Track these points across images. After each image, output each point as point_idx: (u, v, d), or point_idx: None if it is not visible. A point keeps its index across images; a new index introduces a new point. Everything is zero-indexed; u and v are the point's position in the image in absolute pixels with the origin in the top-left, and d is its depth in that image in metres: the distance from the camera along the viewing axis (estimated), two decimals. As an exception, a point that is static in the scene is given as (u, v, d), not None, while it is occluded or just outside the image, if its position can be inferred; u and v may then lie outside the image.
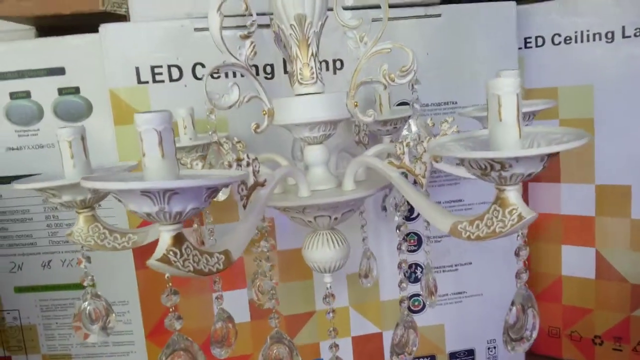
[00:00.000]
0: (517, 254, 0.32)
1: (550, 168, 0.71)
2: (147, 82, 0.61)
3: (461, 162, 0.31)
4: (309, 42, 0.45)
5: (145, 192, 0.27)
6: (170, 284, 0.30)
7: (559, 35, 0.69)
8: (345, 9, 0.46)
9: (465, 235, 0.34)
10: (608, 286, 0.71)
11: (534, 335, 0.33)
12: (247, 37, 0.43)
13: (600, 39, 0.67)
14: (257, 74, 0.63)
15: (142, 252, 0.66)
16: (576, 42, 0.69)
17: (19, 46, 0.67)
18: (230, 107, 0.42)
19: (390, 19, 0.45)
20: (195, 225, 0.64)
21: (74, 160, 0.39)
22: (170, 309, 0.31)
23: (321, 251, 0.46)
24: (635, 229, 0.68)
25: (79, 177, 0.37)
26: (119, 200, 0.29)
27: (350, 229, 0.64)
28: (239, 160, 0.37)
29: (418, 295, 0.72)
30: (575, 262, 0.73)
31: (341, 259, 0.47)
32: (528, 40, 0.72)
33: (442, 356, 0.73)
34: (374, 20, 0.53)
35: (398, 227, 0.48)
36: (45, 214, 0.70)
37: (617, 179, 0.69)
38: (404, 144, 0.39)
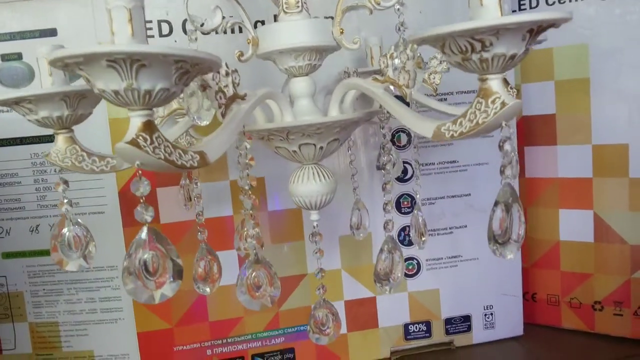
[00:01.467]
0: (500, 147, 0.31)
1: (546, 130, 0.70)
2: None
3: (442, 47, 0.30)
4: (294, -30, 0.44)
5: (112, 63, 0.26)
6: (140, 172, 0.29)
7: (553, -6, 0.69)
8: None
9: (449, 135, 0.33)
10: (607, 249, 0.69)
11: (522, 233, 0.31)
12: (229, -39, 0.42)
13: (594, -4, 0.66)
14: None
15: (131, 214, 0.65)
16: (570, 1, 0.68)
17: (10, 7, 0.67)
18: (213, 30, 0.42)
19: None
20: (182, 181, 0.63)
21: (52, 77, 0.39)
22: (141, 199, 0.29)
23: (307, 185, 0.45)
24: (633, 188, 0.67)
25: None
26: (88, 80, 0.28)
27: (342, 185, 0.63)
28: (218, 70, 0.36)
29: (412, 259, 0.70)
30: (573, 226, 0.71)
31: (327, 194, 0.46)
32: (522, 2, 0.72)
33: (438, 322, 0.71)
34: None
35: (383, 186, 0.47)
36: (34, 177, 0.69)
37: (614, 138, 0.67)
38: (387, 56, 0.38)
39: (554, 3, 0.69)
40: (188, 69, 0.29)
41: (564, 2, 0.68)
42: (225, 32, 0.62)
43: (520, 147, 0.74)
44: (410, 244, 0.70)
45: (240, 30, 0.63)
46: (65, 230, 0.42)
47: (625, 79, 0.66)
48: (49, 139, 0.68)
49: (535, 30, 0.29)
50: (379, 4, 0.42)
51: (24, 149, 0.69)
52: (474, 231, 0.71)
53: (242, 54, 0.44)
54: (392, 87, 0.39)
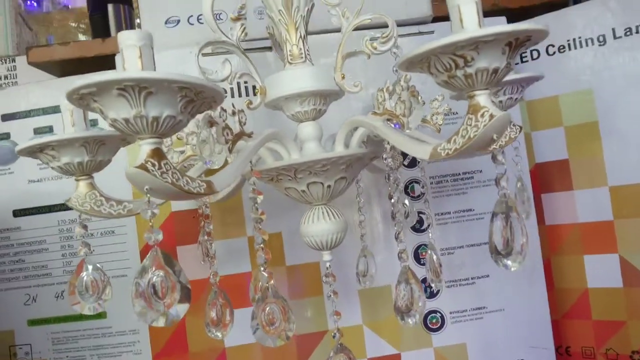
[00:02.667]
0: (493, 158, 0.31)
1: (561, 176, 0.70)
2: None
3: (428, 68, 0.32)
4: (297, 26, 0.48)
5: (122, 91, 0.29)
6: (148, 195, 0.31)
7: (553, 45, 0.72)
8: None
9: (445, 154, 0.34)
10: (637, 293, 0.67)
11: (525, 243, 0.31)
12: (238, 19, 0.46)
13: (592, 44, 0.69)
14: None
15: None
16: (570, 49, 0.71)
17: (42, 85, 0.73)
18: (222, 80, 0.45)
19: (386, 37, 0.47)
20: (201, 238, 0.64)
21: (74, 127, 0.42)
22: (150, 222, 0.31)
23: (317, 224, 0.46)
24: (657, 227, 0.65)
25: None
26: (101, 112, 0.30)
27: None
28: (223, 110, 0.38)
29: (436, 311, 0.69)
30: (600, 271, 0.69)
31: (337, 232, 0.46)
32: (523, 54, 0.74)
33: (467, 378, 0.68)
34: None
35: (396, 235, 0.47)
36: (61, 243, 0.72)
37: (630, 178, 0.67)
38: (384, 90, 0.40)
39: (554, 53, 0.72)
40: (193, 98, 0.32)
41: (564, 51, 0.71)
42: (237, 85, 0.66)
43: (537, 195, 0.74)
44: (431, 295, 0.69)
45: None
46: (83, 274, 0.43)
47: (633, 118, 0.67)
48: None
49: (514, 44, 0.30)
50: (375, 49, 0.45)
51: (52, 216, 0.72)
52: (497, 281, 0.69)
53: (250, 102, 0.46)
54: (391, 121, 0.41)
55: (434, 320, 0.69)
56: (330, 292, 0.47)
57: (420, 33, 0.69)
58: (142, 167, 0.31)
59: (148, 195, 0.31)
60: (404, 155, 0.69)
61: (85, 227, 0.43)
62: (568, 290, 0.72)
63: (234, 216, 0.68)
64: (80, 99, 0.30)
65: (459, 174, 0.70)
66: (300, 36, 0.48)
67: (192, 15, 0.67)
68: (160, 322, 0.31)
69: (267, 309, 0.40)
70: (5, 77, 0.85)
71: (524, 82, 0.49)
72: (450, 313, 0.69)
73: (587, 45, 0.69)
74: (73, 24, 1.04)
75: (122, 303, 0.69)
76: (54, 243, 0.72)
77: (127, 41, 0.31)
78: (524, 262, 0.32)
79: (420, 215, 0.69)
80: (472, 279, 0.69)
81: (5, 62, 0.87)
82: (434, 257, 0.51)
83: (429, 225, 0.69)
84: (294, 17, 0.48)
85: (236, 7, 0.47)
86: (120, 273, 0.70)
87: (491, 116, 0.32)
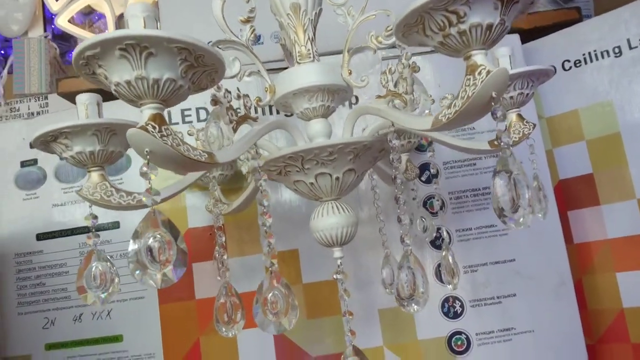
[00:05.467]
0: (492, 113, 0.31)
1: (587, 191, 0.68)
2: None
3: (423, 31, 0.32)
4: (305, 28, 0.49)
5: (124, 52, 0.30)
6: (148, 157, 0.31)
7: (568, 61, 0.72)
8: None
9: (446, 119, 0.34)
10: (678, 310, 0.62)
11: (534, 199, 0.30)
12: (247, 21, 0.48)
13: (608, 55, 0.68)
14: (271, 112, 0.69)
15: (166, 290, 0.66)
16: (586, 63, 0.70)
17: (70, 113, 0.76)
18: (232, 77, 0.46)
19: (398, 56, 0.48)
20: (216, 253, 0.64)
21: (88, 119, 0.43)
22: (148, 182, 0.31)
23: (326, 219, 0.45)
24: (692, 238, 0.62)
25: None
26: (106, 78, 0.32)
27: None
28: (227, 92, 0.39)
29: (461, 333, 0.65)
30: (635, 289, 0.65)
31: (347, 226, 0.45)
32: (540, 73, 0.74)
33: (497, 404, 0.64)
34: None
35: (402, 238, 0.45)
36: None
37: (659, 188, 0.65)
38: (387, 71, 0.41)
39: (570, 68, 0.71)
40: (193, 63, 0.32)
41: (580, 65, 0.71)
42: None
43: (563, 212, 0.71)
44: (455, 315, 0.66)
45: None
46: (92, 264, 0.43)
47: (658, 130, 0.65)
48: (99, 227, 0.72)
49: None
50: (380, 43, 0.46)
51: (74, 239, 0.73)
52: (525, 300, 0.66)
53: (260, 99, 0.47)
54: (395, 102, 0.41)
55: (459, 342, 0.65)
56: (341, 290, 0.46)
57: (433, 51, 0.70)
58: (143, 128, 0.31)
59: (148, 157, 0.31)
60: (420, 170, 0.69)
61: (95, 217, 0.43)
62: (602, 312, 0.68)
63: (250, 233, 0.67)
64: (86, 64, 0.31)
65: (479, 189, 0.69)
66: (309, 38, 0.49)
67: (210, 41, 0.70)
68: (154, 282, 0.30)
69: (270, 294, 0.39)
70: (38, 113, 0.89)
71: (533, 77, 0.49)
72: (477, 334, 0.66)
73: (602, 57, 0.69)
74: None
75: (138, 326, 0.68)
76: (74, 266, 0.73)
77: (132, 12, 0.32)
78: (532, 218, 0.31)
79: (439, 231, 0.67)
80: (497, 297, 0.66)
81: (39, 100, 0.91)
82: (450, 258, 0.49)
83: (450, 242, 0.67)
84: (302, 20, 0.49)
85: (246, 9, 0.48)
86: (137, 295, 0.69)
87: (488, 72, 0.31)
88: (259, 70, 0.48)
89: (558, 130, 0.72)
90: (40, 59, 0.89)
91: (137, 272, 0.30)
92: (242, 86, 0.49)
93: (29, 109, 0.90)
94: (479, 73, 0.32)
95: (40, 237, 0.73)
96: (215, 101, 0.38)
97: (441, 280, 0.66)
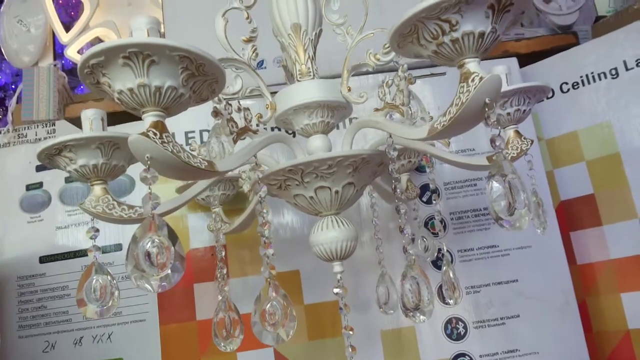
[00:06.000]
0: (485, 118, 0.31)
1: (588, 211, 0.68)
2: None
3: (418, 40, 0.33)
4: (305, 47, 0.50)
5: (127, 60, 0.31)
6: (149, 162, 0.32)
7: (566, 83, 0.73)
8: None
9: (441, 126, 0.35)
10: (685, 330, 0.61)
11: (525, 197, 0.30)
12: (249, 40, 0.49)
13: (605, 77, 0.69)
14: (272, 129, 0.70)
15: (166, 310, 0.66)
16: (584, 85, 0.71)
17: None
18: (234, 94, 0.47)
19: (388, 48, 0.50)
20: (218, 273, 0.64)
21: (92, 132, 0.44)
22: (149, 189, 0.32)
23: (326, 232, 0.45)
24: (696, 257, 0.61)
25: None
26: (109, 87, 0.33)
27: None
28: (229, 103, 0.40)
29: (464, 355, 0.65)
30: (641, 310, 0.65)
31: (347, 240, 0.46)
32: (538, 96, 0.75)
33: None
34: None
35: (404, 249, 0.45)
36: (83, 288, 0.72)
37: (660, 207, 0.64)
38: (384, 85, 0.42)
39: (568, 90, 0.72)
40: (194, 72, 0.33)
41: (578, 87, 0.72)
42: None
43: (565, 233, 0.71)
44: (459, 337, 0.65)
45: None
46: (93, 277, 0.43)
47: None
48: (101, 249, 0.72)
49: (496, 7, 0.32)
50: (379, 60, 0.47)
51: (76, 262, 0.73)
52: (529, 321, 0.65)
53: (261, 116, 0.48)
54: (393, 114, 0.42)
55: (463, 364, 0.64)
56: (342, 304, 0.45)
57: (433, 75, 0.72)
58: (144, 134, 0.32)
59: (148, 163, 0.32)
60: (422, 190, 0.69)
61: (97, 230, 0.43)
62: (607, 334, 0.67)
63: (251, 254, 0.67)
64: (90, 72, 0.32)
65: (480, 209, 0.69)
66: (309, 57, 0.51)
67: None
68: (151, 287, 0.30)
69: (268, 305, 0.39)
70: (45, 139, 0.91)
71: (530, 93, 0.50)
72: (480, 357, 0.65)
73: (600, 79, 0.70)
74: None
75: (138, 348, 0.68)
76: (76, 288, 0.72)
77: (136, 25, 0.34)
78: (530, 218, 0.31)
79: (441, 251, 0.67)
80: (501, 319, 0.66)
81: (46, 126, 0.93)
82: (450, 273, 0.49)
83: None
84: (302, 40, 0.51)
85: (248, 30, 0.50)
86: (139, 318, 0.69)
87: (481, 79, 0.32)
88: (259, 87, 0.49)
89: (558, 151, 0.73)
90: (49, 86, 0.91)
91: (135, 275, 0.30)
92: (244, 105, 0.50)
93: (36, 135, 0.92)
94: (472, 80, 0.32)
95: (43, 259, 0.73)
96: (216, 113, 0.39)
97: (444, 301, 0.66)
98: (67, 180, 0.75)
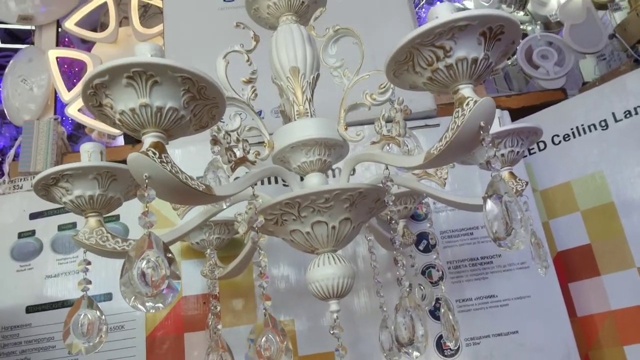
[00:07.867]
0: (483, 142, 0.32)
1: (586, 262, 0.68)
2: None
3: (413, 67, 0.34)
4: (303, 90, 0.52)
5: (130, 80, 0.32)
6: (147, 182, 0.32)
7: (557, 135, 0.74)
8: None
9: (437, 151, 0.35)
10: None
11: (525, 218, 0.30)
12: (249, 81, 0.51)
13: (595, 129, 0.71)
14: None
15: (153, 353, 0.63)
16: (574, 137, 0.73)
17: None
18: (233, 131, 0.48)
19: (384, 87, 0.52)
20: (210, 321, 0.62)
21: (90, 162, 0.44)
22: (145, 206, 0.31)
23: (322, 269, 0.45)
24: (697, 305, 0.60)
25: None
26: (111, 108, 0.33)
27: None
28: (228, 134, 0.41)
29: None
30: (646, 363, 0.63)
31: (344, 277, 0.45)
32: (531, 148, 0.77)
33: None
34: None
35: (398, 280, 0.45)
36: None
37: (658, 256, 0.64)
38: (380, 118, 0.42)
39: (559, 142, 0.74)
40: (195, 95, 0.34)
41: (569, 139, 0.73)
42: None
43: (564, 285, 0.70)
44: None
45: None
46: (81, 312, 0.42)
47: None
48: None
49: (488, 34, 0.33)
50: (375, 100, 0.48)
51: (64, 312, 0.70)
52: (532, 375, 0.63)
53: (258, 153, 0.49)
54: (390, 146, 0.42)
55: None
56: (339, 347, 0.44)
57: (427, 126, 0.73)
58: (143, 153, 0.32)
59: (147, 182, 0.32)
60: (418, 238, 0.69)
61: (89, 262, 0.43)
62: (614, 389, 0.64)
63: (245, 302, 0.66)
64: (94, 94, 0.33)
65: (477, 258, 0.68)
66: (307, 98, 0.52)
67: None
68: (144, 308, 0.29)
69: (264, 338, 0.37)
70: (41, 190, 0.91)
71: (522, 135, 0.51)
72: (483, 413, 0.62)
73: (590, 131, 0.71)
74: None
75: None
76: (60, 340, 0.70)
77: (141, 51, 0.35)
78: (528, 238, 0.31)
79: (439, 302, 0.66)
80: (503, 372, 0.63)
81: (43, 177, 0.93)
82: (450, 316, 0.47)
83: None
84: (300, 82, 0.52)
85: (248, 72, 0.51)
86: (128, 360, 0.66)
87: (475, 102, 0.33)
88: (257, 127, 0.50)
89: (553, 202, 0.73)
90: (48, 139, 0.92)
91: (129, 296, 0.30)
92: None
93: (31, 186, 0.92)
94: (467, 104, 0.33)
95: (30, 309, 0.71)
96: (215, 141, 0.40)
97: (444, 355, 0.63)
98: (60, 228, 0.75)
